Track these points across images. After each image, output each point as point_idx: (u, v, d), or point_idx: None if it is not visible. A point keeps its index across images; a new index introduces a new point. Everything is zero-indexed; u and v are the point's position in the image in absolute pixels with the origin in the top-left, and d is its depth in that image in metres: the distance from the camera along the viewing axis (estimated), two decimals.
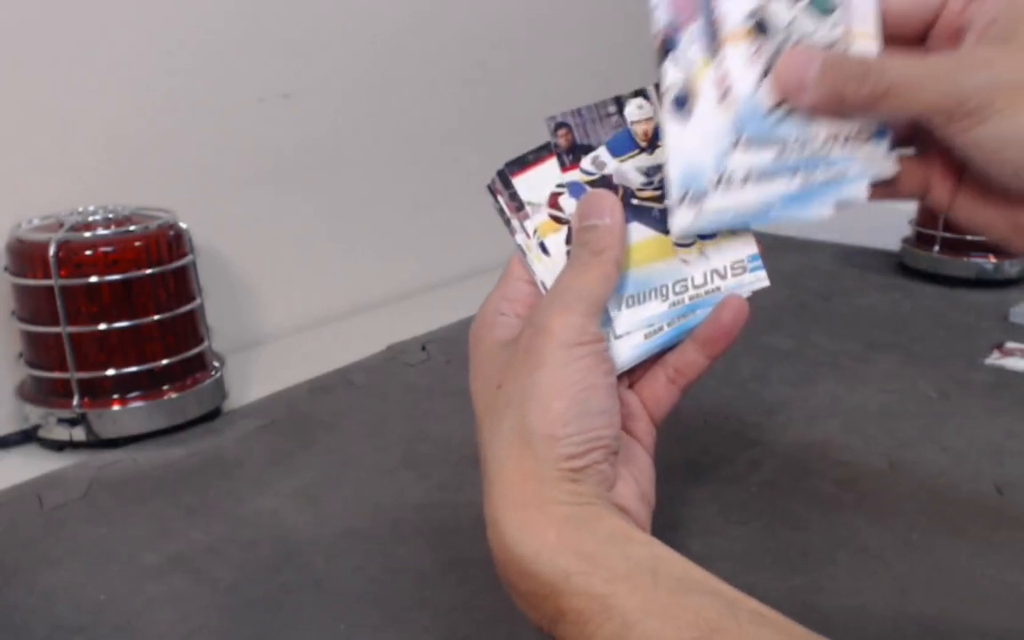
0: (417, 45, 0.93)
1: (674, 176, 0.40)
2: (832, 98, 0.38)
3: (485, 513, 0.36)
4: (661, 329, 0.41)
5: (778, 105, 0.39)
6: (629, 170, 0.41)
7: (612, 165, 0.41)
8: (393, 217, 0.95)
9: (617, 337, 0.41)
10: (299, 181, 0.85)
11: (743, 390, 0.68)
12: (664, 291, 0.41)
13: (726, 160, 0.40)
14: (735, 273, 0.42)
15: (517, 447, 0.35)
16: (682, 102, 0.40)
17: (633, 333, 0.41)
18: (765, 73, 0.39)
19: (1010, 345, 0.76)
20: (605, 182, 0.41)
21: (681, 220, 0.40)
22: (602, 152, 0.41)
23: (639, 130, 0.42)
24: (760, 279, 0.42)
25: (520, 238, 0.41)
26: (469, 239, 1.01)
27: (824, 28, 0.39)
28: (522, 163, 0.42)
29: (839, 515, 0.51)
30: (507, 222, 0.42)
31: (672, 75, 0.40)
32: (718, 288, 0.41)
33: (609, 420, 0.37)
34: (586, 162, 0.42)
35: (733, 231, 0.41)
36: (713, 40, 0.40)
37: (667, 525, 0.50)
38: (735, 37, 0.39)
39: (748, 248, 0.42)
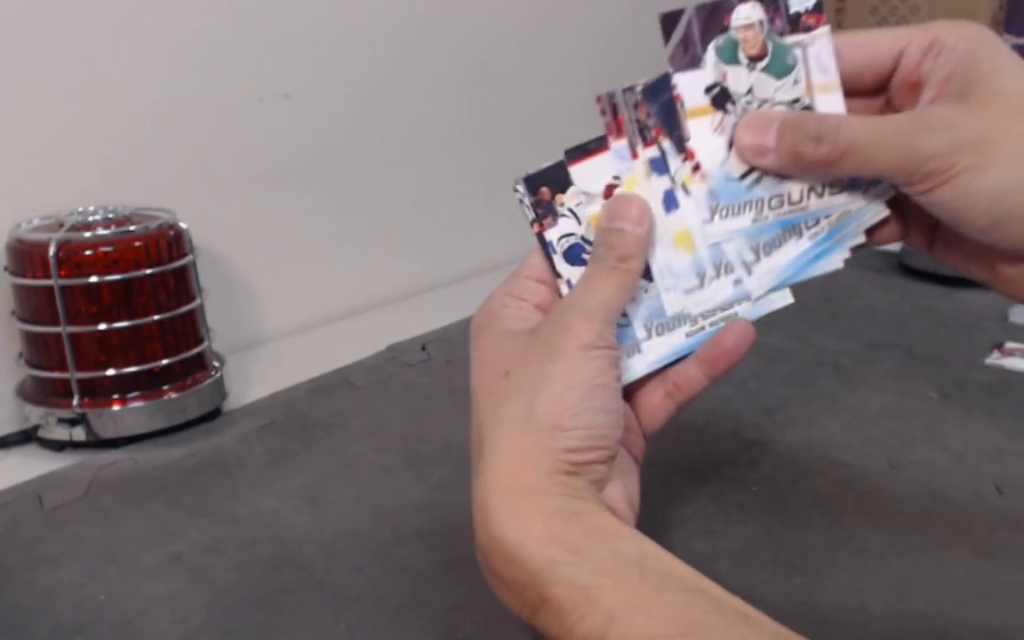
0: (417, 45, 0.93)
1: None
2: (792, 160, 0.39)
3: (473, 496, 0.36)
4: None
5: (748, 171, 0.40)
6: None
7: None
8: (393, 217, 0.95)
9: (641, 354, 0.41)
10: (299, 181, 0.85)
11: (743, 390, 0.68)
12: (692, 317, 0.42)
13: (710, 228, 0.41)
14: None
15: (518, 433, 0.36)
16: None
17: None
18: (731, 142, 0.40)
19: (1010, 345, 0.76)
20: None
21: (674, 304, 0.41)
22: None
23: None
24: (785, 297, 0.42)
25: (555, 232, 0.41)
26: (469, 239, 1.01)
27: (785, 87, 0.40)
28: (583, 151, 0.41)
29: (839, 515, 0.51)
30: (547, 214, 0.41)
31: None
32: (746, 310, 0.42)
33: (615, 421, 0.37)
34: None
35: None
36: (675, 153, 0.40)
37: (667, 524, 0.50)
38: (697, 113, 0.40)
39: None
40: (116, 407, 0.62)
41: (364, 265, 0.93)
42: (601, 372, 0.37)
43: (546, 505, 0.34)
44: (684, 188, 0.40)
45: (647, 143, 0.40)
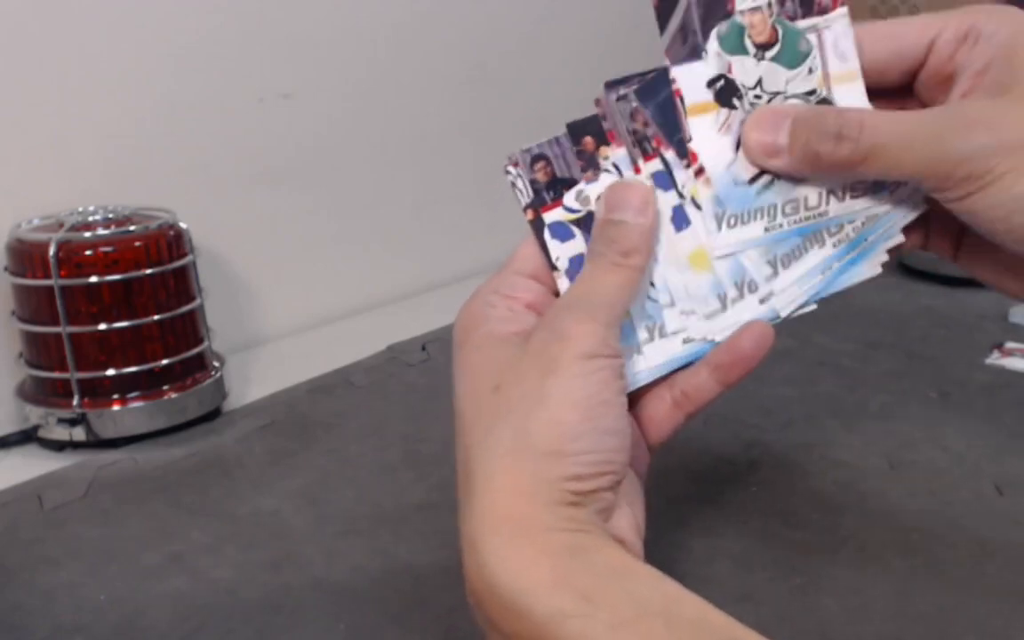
0: (417, 45, 0.93)
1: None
2: (808, 160, 0.35)
3: (461, 533, 0.32)
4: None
5: (757, 174, 0.36)
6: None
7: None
8: (393, 217, 0.95)
9: (643, 357, 0.37)
10: (299, 181, 0.85)
11: (743, 390, 0.67)
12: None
13: (717, 239, 0.36)
14: None
15: (512, 459, 0.31)
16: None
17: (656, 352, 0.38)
18: (738, 142, 0.36)
19: (1010, 345, 0.76)
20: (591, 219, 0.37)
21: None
22: (587, 187, 0.37)
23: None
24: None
25: (558, 212, 0.37)
26: (469, 239, 1.01)
27: (798, 78, 0.36)
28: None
29: (839, 515, 0.51)
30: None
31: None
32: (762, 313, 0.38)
33: (622, 443, 0.33)
34: (569, 198, 0.37)
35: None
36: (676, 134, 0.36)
37: (667, 525, 0.50)
38: (698, 110, 0.36)
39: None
40: (116, 407, 0.62)
41: (364, 265, 0.93)
42: (605, 385, 0.32)
43: (548, 542, 0.30)
44: (694, 202, 0.36)
45: (648, 156, 0.36)
